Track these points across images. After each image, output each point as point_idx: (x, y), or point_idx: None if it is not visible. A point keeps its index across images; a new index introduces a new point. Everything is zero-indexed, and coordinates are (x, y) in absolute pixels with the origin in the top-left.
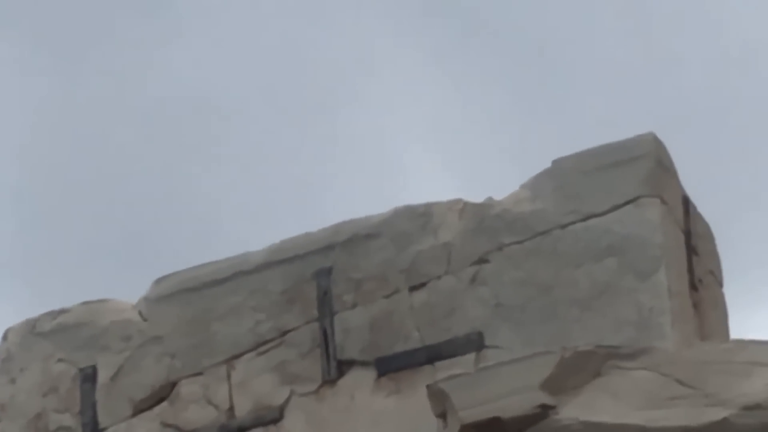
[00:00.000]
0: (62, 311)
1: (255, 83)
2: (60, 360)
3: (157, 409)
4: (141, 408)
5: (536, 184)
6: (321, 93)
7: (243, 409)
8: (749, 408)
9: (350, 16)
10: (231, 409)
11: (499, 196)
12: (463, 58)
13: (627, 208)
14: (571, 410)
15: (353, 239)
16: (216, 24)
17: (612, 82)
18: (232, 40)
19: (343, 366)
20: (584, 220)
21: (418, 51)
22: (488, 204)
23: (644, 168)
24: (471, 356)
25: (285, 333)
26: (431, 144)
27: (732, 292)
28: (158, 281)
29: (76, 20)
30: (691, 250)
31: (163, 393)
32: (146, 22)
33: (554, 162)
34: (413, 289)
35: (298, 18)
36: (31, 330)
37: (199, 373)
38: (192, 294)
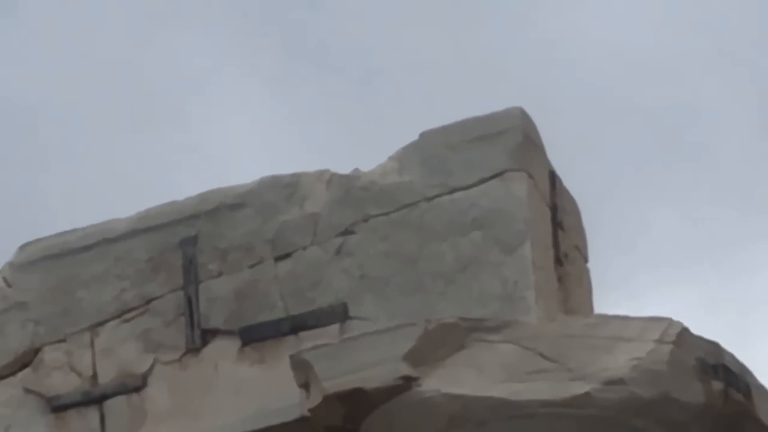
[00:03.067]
0: None
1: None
2: None
3: (20, 375)
4: (3, 374)
5: (403, 157)
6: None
7: (106, 377)
8: (611, 383)
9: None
10: (94, 376)
11: (366, 167)
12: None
13: (493, 181)
14: (433, 382)
15: (219, 208)
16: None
17: (478, 57)
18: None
19: (207, 335)
20: (450, 193)
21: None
22: (355, 175)
23: (511, 142)
24: (335, 327)
25: (149, 301)
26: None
27: (596, 268)
28: (23, 247)
29: None
30: (556, 225)
31: (26, 359)
32: None
33: (421, 135)
34: (279, 259)
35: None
36: None
37: (63, 340)
38: (57, 261)
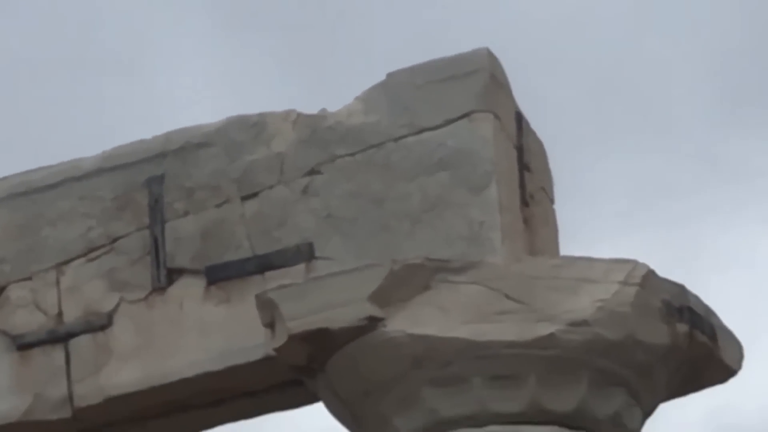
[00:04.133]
0: None
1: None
2: None
3: None
4: None
5: (370, 97)
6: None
7: (71, 315)
8: (576, 324)
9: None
10: (60, 314)
11: (333, 108)
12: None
13: (460, 122)
14: (398, 322)
15: (185, 147)
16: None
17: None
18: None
19: (173, 274)
20: (417, 133)
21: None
22: (321, 115)
23: (478, 83)
24: (301, 267)
25: (115, 240)
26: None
27: (563, 209)
28: None
29: None
30: (523, 166)
31: None
32: None
33: (388, 75)
34: (245, 198)
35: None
36: None
37: (28, 278)
38: (22, 199)
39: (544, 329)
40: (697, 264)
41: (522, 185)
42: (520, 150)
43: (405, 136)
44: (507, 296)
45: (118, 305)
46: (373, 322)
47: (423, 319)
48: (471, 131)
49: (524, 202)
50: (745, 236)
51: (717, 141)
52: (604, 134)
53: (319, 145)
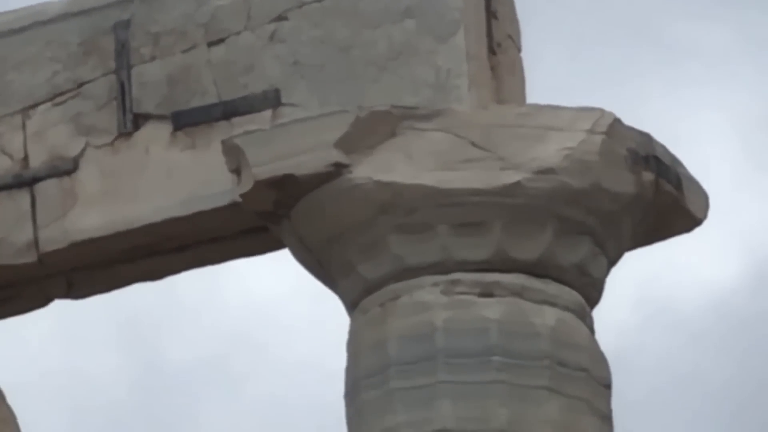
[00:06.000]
0: None
1: None
2: None
3: None
4: None
5: None
6: None
7: (37, 160)
8: (542, 172)
9: None
10: (25, 158)
11: None
12: None
13: None
14: (364, 169)
15: None
16: None
17: None
18: None
19: (139, 119)
20: None
21: None
22: None
23: None
24: (267, 113)
25: (81, 84)
26: None
27: (529, 58)
28: None
29: None
30: (490, 14)
31: None
32: None
33: None
34: (212, 44)
35: None
36: None
37: None
38: None
39: (509, 177)
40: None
41: (489, 33)
42: None
43: None
44: (473, 144)
45: (83, 150)
46: (339, 168)
47: (389, 165)
48: None
49: (491, 51)
50: None
51: None
52: None
53: None
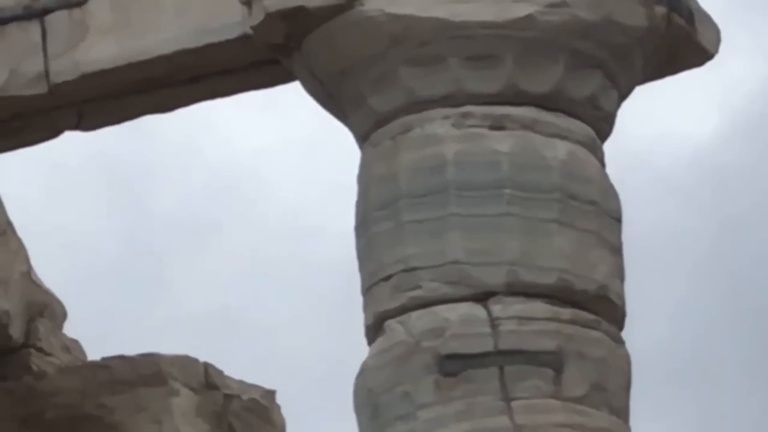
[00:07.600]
0: None
1: None
2: None
3: None
4: None
5: None
6: None
7: None
8: (554, 5)
9: None
10: None
11: None
12: None
13: None
14: (376, 1)
15: None
16: None
17: None
18: None
19: None
20: None
21: None
22: None
23: None
24: None
25: None
26: None
27: None
28: None
29: None
30: None
31: None
32: None
33: None
34: None
35: None
36: None
37: None
38: None
39: (521, 10)
40: None
41: None
42: None
43: None
44: None
45: None
46: (351, 0)
47: None
48: None
49: None
50: None
51: None
52: None
53: None
